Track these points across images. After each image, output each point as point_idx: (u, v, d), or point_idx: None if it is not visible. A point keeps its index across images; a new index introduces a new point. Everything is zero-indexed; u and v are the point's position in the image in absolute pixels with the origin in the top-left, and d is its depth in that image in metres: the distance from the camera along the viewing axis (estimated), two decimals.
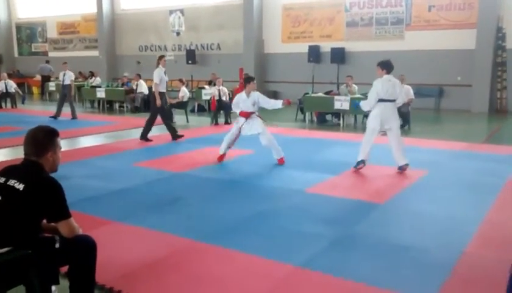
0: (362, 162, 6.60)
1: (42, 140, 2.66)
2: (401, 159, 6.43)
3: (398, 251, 3.83)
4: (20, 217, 2.48)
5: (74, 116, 12.62)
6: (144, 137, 9.22)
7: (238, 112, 7.23)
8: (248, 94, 7.09)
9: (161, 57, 9.61)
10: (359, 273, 3.44)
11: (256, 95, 7.13)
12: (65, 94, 12.87)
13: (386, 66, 6.34)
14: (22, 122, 11.70)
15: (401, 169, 6.47)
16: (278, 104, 7.14)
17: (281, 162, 7.09)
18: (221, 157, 7.41)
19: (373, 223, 4.56)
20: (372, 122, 6.43)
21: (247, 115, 7.09)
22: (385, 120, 6.31)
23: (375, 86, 6.28)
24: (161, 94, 9.24)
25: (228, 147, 7.40)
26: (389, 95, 6.25)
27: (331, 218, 4.66)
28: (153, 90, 9.29)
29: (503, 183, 5.97)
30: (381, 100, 6.25)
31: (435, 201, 5.23)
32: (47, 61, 21.20)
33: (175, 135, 9.40)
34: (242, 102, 7.13)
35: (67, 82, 12.85)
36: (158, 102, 9.11)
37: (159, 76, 9.22)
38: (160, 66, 9.34)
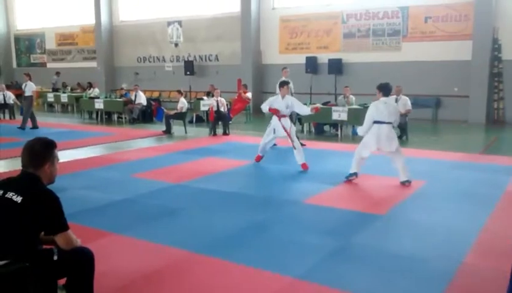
0: (355, 174, 6.65)
1: (39, 152, 2.67)
2: (403, 176, 6.45)
3: (397, 262, 3.82)
4: (18, 229, 2.48)
5: (22, 126, 12.48)
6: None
7: (266, 109, 7.72)
8: (283, 97, 7.61)
9: None
10: (358, 284, 3.43)
11: (290, 99, 7.62)
12: (27, 105, 12.78)
13: (384, 89, 6.46)
14: (19, 133, 11.70)
15: (403, 183, 6.48)
16: (307, 110, 7.65)
17: (304, 167, 7.38)
18: (258, 158, 7.95)
19: (371, 233, 4.56)
20: (366, 139, 6.51)
21: (279, 116, 7.55)
22: (381, 142, 6.38)
23: (370, 110, 6.44)
24: None
25: (264, 148, 7.91)
26: (384, 117, 6.35)
27: (329, 229, 4.66)
28: None
29: (500, 193, 5.98)
30: (376, 122, 6.37)
31: (433, 212, 5.23)
32: (58, 73, 21.16)
33: None
34: (276, 104, 7.62)
35: (28, 93, 12.83)
36: None
37: None
38: None
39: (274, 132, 7.67)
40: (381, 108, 6.34)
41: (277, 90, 8.46)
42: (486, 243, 4.28)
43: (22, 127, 12.45)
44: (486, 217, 5.04)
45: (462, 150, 9.25)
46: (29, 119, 12.71)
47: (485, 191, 6.06)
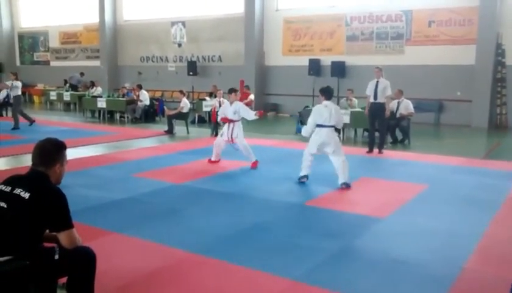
0: (306, 176, 6.72)
1: (51, 152, 2.70)
2: (341, 178, 6.44)
3: (398, 266, 3.81)
4: (24, 225, 2.49)
5: (16, 127, 12.14)
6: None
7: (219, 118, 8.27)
8: (231, 104, 7.99)
9: None
10: (358, 287, 3.42)
11: (239, 105, 7.93)
12: (16, 105, 12.52)
13: (325, 93, 6.61)
14: (22, 131, 11.72)
15: (341, 186, 6.42)
16: (252, 115, 7.93)
17: (254, 165, 7.77)
18: (212, 162, 8.12)
19: (372, 237, 4.55)
20: (310, 144, 6.64)
21: (228, 122, 7.94)
22: (323, 144, 6.49)
23: (312, 113, 6.60)
24: None
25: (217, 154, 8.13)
26: (324, 120, 6.45)
27: (330, 232, 4.65)
28: None
29: (503, 198, 5.96)
30: (319, 125, 6.48)
31: (435, 216, 5.22)
32: (82, 74, 20.88)
33: None
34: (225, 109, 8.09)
35: (16, 93, 12.43)
36: None
37: None
38: None
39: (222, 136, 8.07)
40: (322, 112, 6.48)
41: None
42: (487, 249, 4.27)
43: (16, 127, 12.16)
44: (488, 222, 5.02)
45: (465, 155, 9.22)
46: (22, 118, 12.51)
47: (487, 196, 6.04)
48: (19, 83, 12.71)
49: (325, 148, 6.51)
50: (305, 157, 6.71)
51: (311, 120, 6.57)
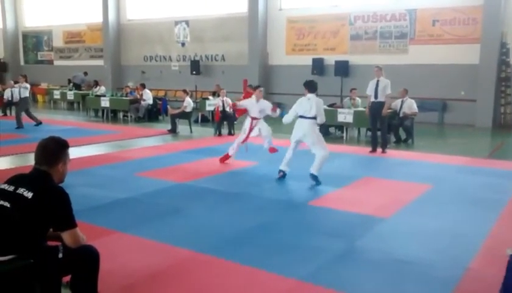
0: (283, 172, 6.92)
1: (54, 151, 2.69)
2: (314, 168, 6.59)
3: (402, 266, 3.80)
4: (27, 224, 2.49)
5: (19, 126, 12.28)
6: None
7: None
8: (257, 101, 7.88)
9: None
10: (362, 287, 3.41)
11: (265, 104, 7.89)
12: (23, 106, 12.69)
13: (309, 86, 6.82)
14: (26, 130, 11.75)
15: (310, 176, 6.59)
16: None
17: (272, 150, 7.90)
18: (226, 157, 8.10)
19: (377, 237, 4.53)
20: (293, 133, 6.86)
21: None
22: (304, 135, 6.70)
23: (295, 104, 6.83)
24: None
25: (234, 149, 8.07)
26: (305, 112, 6.65)
27: (334, 232, 4.64)
28: None
29: (507, 198, 5.93)
30: (301, 116, 6.72)
31: (439, 216, 5.20)
32: (85, 73, 21.03)
33: None
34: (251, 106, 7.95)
35: (24, 94, 12.65)
36: None
37: None
38: None
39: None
40: (304, 103, 6.69)
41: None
42: (492, 249, 4.24)
43: (20, 126, 12.26)
44: (492, 222, 5.00)
45: (469, 154, 9.19)
46: (29, 118, 12.68)
47: (491, 196, 6.01)
48: (27, 86, 13.00)
49: (305, 138, 6.73)
50: (289, 148, 6.95)
51: (292, 109, 6.87)
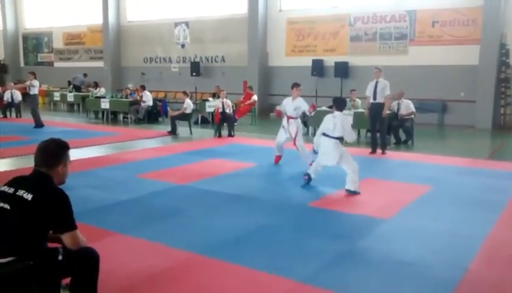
0: (309, 176, 6.58)
1: (54, 152, 2.70)
2: (350, 185, 6.20)
3: (402, 267, 3.80)
4: (27, 227, 2.49)
5: (38, 124, 12.71)
6: None
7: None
8: (293, 99, 7.78)
9: None
10: (362, 288, 3.42)
11: (300, 101, 7.76)
12: (35, 104, 12.95)
13: (337, 103, 6.55)
14: (26, 132, 11.75)
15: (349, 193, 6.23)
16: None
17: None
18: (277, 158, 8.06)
19: (376, 238, 4.54)
20: (319, 159, 6.51)
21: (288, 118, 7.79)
22: (328, 154, 6.33)
23: (323, 121, 6.50)
24: None
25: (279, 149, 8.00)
26: (328, 130, 6.32)
27: (334, 233, 4.64)
28: None
29: (507, 200, 5.93)
30: (324, 134, 6.37)
31: (439, 217, 5.20)
32: (85, 74, 21.10)
33: None
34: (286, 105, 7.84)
35: (33, 91, 12.91)
36: None
37: None
38: None
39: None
40: (328, 120, 6.36)
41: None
42: (491, 251, 4.25)
43: (41, 125, 12.67)
44: (492, 223, 5.00)
45: (469, 155, 9.19)
46: (31, 118, 12.80)
47: (491, 198, 6.02)
48: (36, 83, 13.14)
49: (329, 158, 6.34)
50: (315, 164, 6.62)
51: (320, 128, 6.55)
